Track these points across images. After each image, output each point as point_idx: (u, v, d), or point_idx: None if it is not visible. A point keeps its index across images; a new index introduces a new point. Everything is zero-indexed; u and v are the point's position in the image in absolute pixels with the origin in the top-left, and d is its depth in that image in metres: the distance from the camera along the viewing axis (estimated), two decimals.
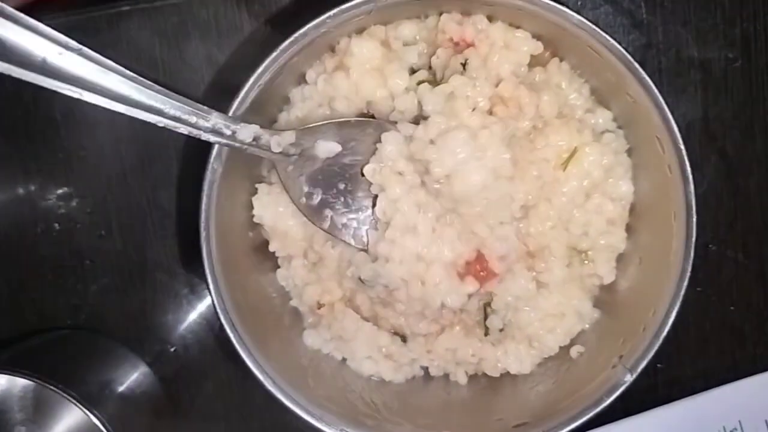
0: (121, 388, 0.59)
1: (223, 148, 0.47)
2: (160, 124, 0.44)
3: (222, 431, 0.62)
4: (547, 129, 0.51)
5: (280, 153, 0.49)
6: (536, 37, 0.52)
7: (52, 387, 0.52)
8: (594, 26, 0.46)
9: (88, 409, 0.52)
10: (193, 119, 0.45)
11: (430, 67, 0.52)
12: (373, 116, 0.51)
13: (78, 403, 0.52)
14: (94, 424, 0.53)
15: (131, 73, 0.43)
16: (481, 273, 0.51)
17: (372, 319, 0.55)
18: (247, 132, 0.47)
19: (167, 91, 0.44)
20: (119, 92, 0.43)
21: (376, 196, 0.51)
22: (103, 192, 0.60)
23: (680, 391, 0.59)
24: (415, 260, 0.50)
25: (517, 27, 0.51)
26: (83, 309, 0.61)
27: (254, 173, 0.55)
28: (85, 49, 0.41)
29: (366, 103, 0.51)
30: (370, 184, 0.50)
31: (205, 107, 0.46)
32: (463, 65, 0.50)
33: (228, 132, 0.46)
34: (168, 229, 0.60)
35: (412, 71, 0.52)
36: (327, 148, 0.50)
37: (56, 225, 0.60)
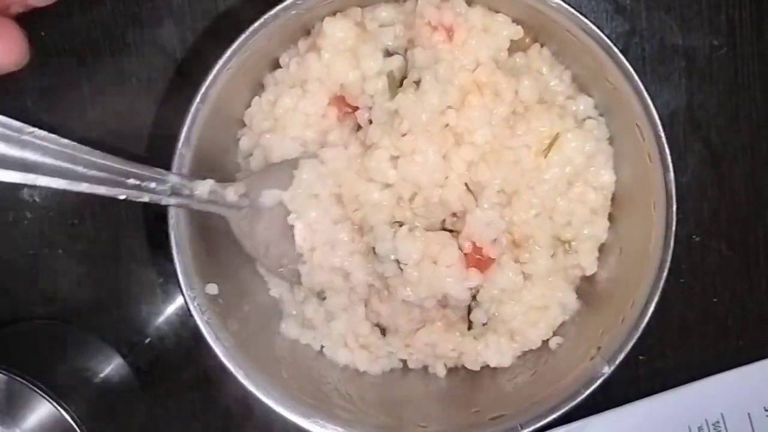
0: (94, 380, 0.58)
1: (191, 134, 0.47)
2: (122, 197, 0.44)
3: (198, 423, 0.61)
4: (528, 114, 0.50)
5: (235, 205, 0.49)
6: (517, 22, 0.51)
7: (20, 379, 0.51)
8: (573, 10, 0.45)
9: (58, 403, 0.52)
10: (152, 185, 0.44)
11: (405, 52, 0.51)
12: (344, 99, 0.50)
13: (47, 397, 0.52)
14: (64, 417, 0.52)
15: (86, 148, 0.42)
16: (480, 260, 0.50)
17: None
18: (203, 188, 0.47)
19: (123, 160, 0.43)
20: (77, 171, 0.42)
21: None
22: None
23: (663, 383, 0.59)
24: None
25: (497, 11, 0.51)
26: (56, 299, 0.60)
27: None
28: (38, 131, 0.40)
29: (339, 86, 0.50)
30: None
31: (162, 170, 0.45)
32: (417, 83, 0.49)
33: (186, 192, 0.46)
34: (141, 218, 0.59)
35: (388, 53, 0.50)
36: (271, 196, 0.50)
37: (27, 213, 0.59)
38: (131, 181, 0.44)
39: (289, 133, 0.51)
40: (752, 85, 0.58)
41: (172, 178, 0.45)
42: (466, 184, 0.50)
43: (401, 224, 0.50)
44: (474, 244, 0.50)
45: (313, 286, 0.52)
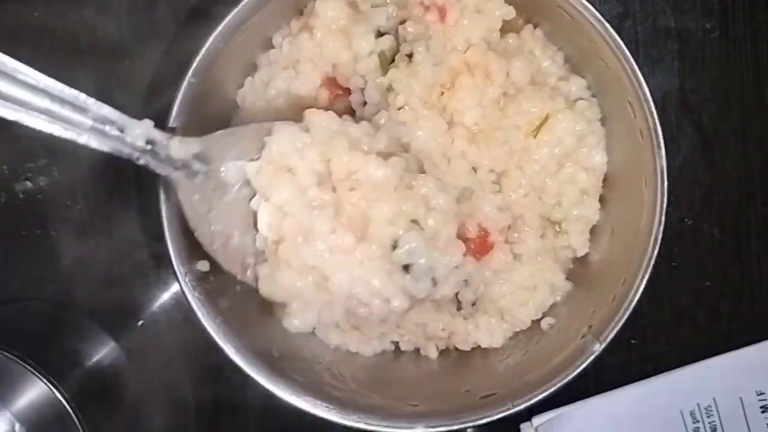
0: (86, 362, 0.58)
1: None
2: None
3: (190, 406, 0.61)
4: (520, 96, 0.50)
5: (181, 166, 0.39)
6: (509, 2, 0.51)
7: (14, 358, 0.51)
8: None
9: (51, 383, 0.52)
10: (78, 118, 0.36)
11: (397, 32, 0.51)
12: (336, 80, 0.50)
13: (40, 376, 0.52)
14: (56, 397, 0.52)
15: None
16: (481, 246, 0.50)
17: None
18: (138, 130, 0.37)
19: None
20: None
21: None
22: (67, 161, 0.58)
23: (655, 367, 0.59)
24: None
25: None
26: (49, 281, 0.60)
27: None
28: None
29: (331, 67, 0.50)
30: None
31: (92, 99, 0.36)
32: (409, 56, 0.49)
33: (114, 132, 0.37)
34: (134, 200, 0.59)
35: (380, 34, 0.51)
36: (236, 170, 0.41)
37: (20, 195, 0.59)
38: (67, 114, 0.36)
39: (281, 115, 0.50)
40: (744, 68, 0.58)
41: (105, 111, 0.36)
42: (474, 168, 0.49)
43: (415, 222, 0.43)
44: (482, 228, 0.50)
45: (273, 293, 0.44)
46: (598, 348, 0.47)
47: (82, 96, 0.36)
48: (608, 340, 0.47)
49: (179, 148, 0.40)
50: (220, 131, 0.43)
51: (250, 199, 0.42)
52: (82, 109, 0.36)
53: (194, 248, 0.49)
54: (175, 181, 0.40)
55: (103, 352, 0.59)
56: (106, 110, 0.36)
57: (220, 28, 0.45)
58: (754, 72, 0.58)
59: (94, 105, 0.36)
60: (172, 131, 0.41)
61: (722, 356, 0.58)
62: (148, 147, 0.38)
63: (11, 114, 0.34)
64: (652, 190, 0.46)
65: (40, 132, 0.56)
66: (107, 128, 0.37)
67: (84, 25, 0.57)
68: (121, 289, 0.60)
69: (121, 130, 0.37)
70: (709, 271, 0.60)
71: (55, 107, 0.35)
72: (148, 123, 0.38)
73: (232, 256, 0.43)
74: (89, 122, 0.36)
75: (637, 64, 0.47)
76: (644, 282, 0.46)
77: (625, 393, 0.58)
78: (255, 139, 0.42)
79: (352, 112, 0.51)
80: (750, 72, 0.58)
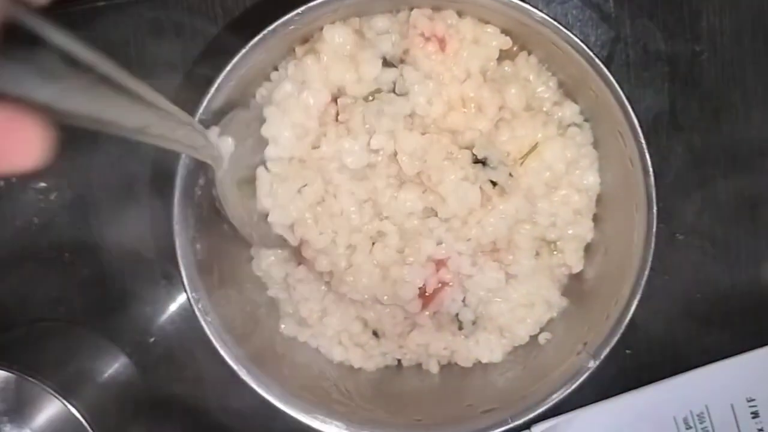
0: (100, 379, 0.60)
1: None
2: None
3: (201, 421, 0.63)
4: (515, 122, 0.52)
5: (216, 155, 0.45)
6: (505, 32, 0.52)
7: (31, 379, 0.53)
8: (556, 23, 0.47)
9: (67, 400, 0.53)
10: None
11: (401, 61, 0.52)
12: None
13: (56, 394, 0.53)
14: (73, 415, 0.54)
15: None
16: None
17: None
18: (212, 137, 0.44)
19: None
20: None
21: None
22: (80, 185, 0.60)
23: (649, 376, 0.60)
24: None
25: (487, 22, 0.52)
26: (63, 301, 0.61)
27: None
28: None
29: (337, 89, 0.51)
30: None
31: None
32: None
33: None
34: (146, 219, 0.61)
35: (385, 61, 0.52)
36: (226, 144, 0.46)
37: (35, 219, 0.61)
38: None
39: (290, 118, 0.50)
40: (732, 89, 0.60)
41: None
42: None
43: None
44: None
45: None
46: (593, 365, 0.49)
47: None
48: (602, 357, 0.49)
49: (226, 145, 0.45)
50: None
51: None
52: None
53: (205, 274, 0.51)
54: (215, 168, 0.45)
55: (117, 368, 0.61)
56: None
57: (224, 72, 0.47)
58: (741, 93, 0.60)
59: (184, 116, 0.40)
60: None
61: (714, 365, 0.60)
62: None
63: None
64: (642, 215, 0.48)
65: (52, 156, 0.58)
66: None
67: None
68: (133, 307, 0.62)
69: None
70: (700, 284, 0.62)
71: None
72: (215, 130, 0.44)
73: (263, 230, 0.49)
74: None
75: (629, 86, 0.48)
76: (635, 303, 0.48)
77: (620, 401, 0.59)
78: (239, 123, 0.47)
79: None
80: (737, 93, 0.60)
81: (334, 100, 0.51)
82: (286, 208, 0.49)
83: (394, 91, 0.51)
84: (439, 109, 0.50)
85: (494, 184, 0.51)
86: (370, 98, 0.51)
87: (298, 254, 0.54)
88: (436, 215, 0.51)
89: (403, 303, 0.51)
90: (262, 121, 0.49)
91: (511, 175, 0.51)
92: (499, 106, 0.51)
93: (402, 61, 0.53)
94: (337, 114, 0.52)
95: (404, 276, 0.50)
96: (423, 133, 0.50)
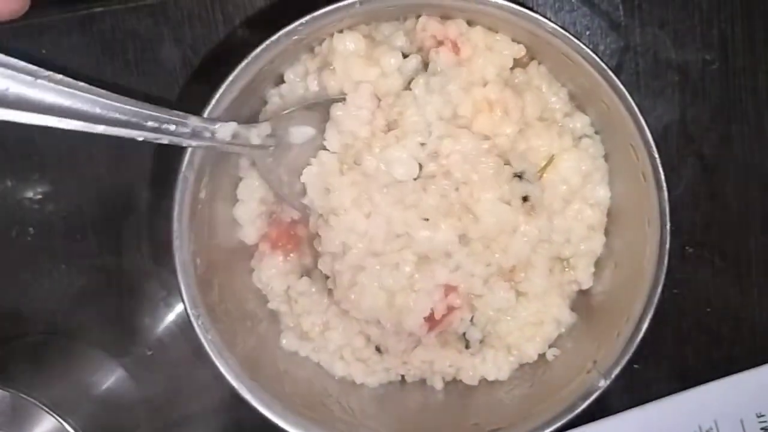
0: (98, 393, 0.59)
1: (195, 155, 0.47)
2: (140, 138, 0.44)
3: None
4: (529, 132, 0.51)
5: (259, 146, 0.48)
6: (514, 41, 0.51)
7: (24, 396, 0.52)
8: (567, 34, 0.46)
9: (62, 417, 0.52)
10: (172, 127, 0.44)
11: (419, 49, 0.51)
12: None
13: (51, 412, 0.52)
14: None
15: (104, 91, 0.42)
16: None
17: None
18: (226, 130, 0.46)
19: (141, 103, 0.43)
20: (95, 113, 0.42)
21: None
22: (77, 195, 0.59)
23: (657, 391, 0.59)
24: None
25: (496, 32, 0.51)
26: (59, 313, 0.60)
27: (233, 173, 0.54)
28: (54, 74, 0.41)
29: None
30: None
31: (181, 113, 0.45)
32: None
33: (208, 134, 0.46)
34: (143, 231, 0.60)
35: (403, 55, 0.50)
36: (300, 133, 0.50)
37: (31, 229, 0.60)
38: (150, 123, 0.44)
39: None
40: (744, 99, 0.59)
41: (193, 121, 0.45)
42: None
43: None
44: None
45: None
46: (603, 384, 0.48)
47: (181, 113, 0.45)
48: (613, 376, 0.48)
49: (256, 136, 0.48)
50: (283, 114, 0.51)
51: (314, 149, 0.50)
52: (183, 123, 0.45)
53: (204, 289, 0.50)
54: (254, 156, 0.50)
55: (114, 382, 0.60)
56: (200, 122, 0.46)
57: (228, 80, 0.46)
58: (753, 102, 0.59)
59: (194, 119, 0.45)
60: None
61: (723, 380, 0.59)
62: (234, 140, 0.47)
63: (131, 134, 0.43)
64: (655, 230, 0.47)
65: (49, 166, 0.57)
66: (204, 133, 0.46)
67: None
68: (131, 319, 0.61)
69: (213, 133, 0.46)
70: (710, 298, 0.61)
71: (164, 125, 0.44)
72: (233, 124, 0.47)
73: (296, 196, 0.51)
74: (189, 131, 0.45)
75: (639, 96, 0.47)
76: (647, 322, 0.47)
77: (628, 417, 0.58)
78: (307, 113, 0.50)
79: None
80: (749, 102, 0.59)
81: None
82: (326, 193, 0.50)
83: None
84: (469, 108, 0.48)
85: (524, 199, 0.50)
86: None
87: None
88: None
89: (407, 330, 0.50)
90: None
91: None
92: (521, 111, 0.49)
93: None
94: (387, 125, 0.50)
95: (411, 304, 0.49)
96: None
